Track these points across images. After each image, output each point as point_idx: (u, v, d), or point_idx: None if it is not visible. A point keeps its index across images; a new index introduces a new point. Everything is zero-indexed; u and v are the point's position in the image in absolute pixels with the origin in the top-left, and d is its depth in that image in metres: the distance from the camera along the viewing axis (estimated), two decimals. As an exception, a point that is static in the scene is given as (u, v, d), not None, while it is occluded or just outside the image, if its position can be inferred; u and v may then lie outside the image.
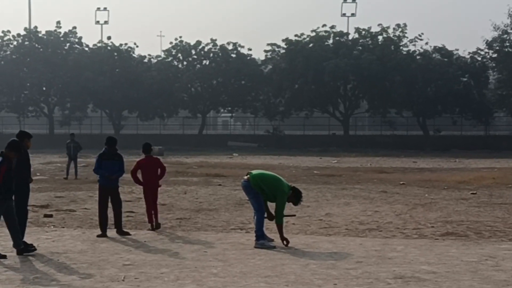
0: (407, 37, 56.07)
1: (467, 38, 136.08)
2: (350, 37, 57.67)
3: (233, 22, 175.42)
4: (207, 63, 59.39)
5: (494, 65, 55.60)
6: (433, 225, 12.82)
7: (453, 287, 7.94)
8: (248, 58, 59.21)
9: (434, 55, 56.13)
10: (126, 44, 60.41)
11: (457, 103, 54.55)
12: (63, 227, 12.64)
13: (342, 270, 8.79)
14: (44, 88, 60.77)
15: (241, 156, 41.77)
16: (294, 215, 12.32)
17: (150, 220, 12.43)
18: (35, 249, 9.96)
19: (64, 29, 60.83)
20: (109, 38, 60.91)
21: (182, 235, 11.81)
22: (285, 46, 56.68)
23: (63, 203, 16.39)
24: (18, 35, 60.37)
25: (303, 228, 12.47)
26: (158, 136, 57.80)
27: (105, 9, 66.04)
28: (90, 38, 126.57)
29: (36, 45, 60.16)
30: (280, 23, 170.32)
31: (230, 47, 58.85)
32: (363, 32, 56.97)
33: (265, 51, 58.88)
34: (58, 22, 60.40)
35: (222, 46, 58.75)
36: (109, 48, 60.14)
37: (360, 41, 57.16)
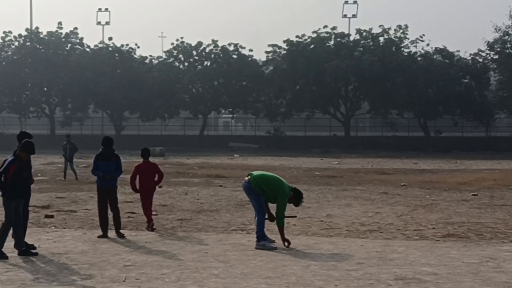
0: (408, 39, 55.95)
1: (468, 40, 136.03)
2: (351, 38, 57.53)
3: (234, 23, 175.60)
4: (208, 64, 59.27)
5: (495, 66, 55.48)
6: (434, 226, 12.82)
7: (454, 289, 7.95)
8: (249, 59, 59.07)
9: (435, 57, 55.97)
10: (127, 45, 60.38)
11: (458, 105, 54.42)
12: (64, 228, 12.64)
13: (343, 271, 8.80)
14: (45, 89, 60.69)
15: (242, 157, 41.74)
16: (295, 216, 12.32)
17: (149, 219, 12.46)
18: (37, 254, 9.88)
19: (65, 29, 60.89)
20: (110, 39, 60.86)
21: (183, 236, 11.81)
22: (286, 47, 56.53)
23: (64, 204, 16.40)
24: (20, 35, 60.33)
25: (304, 229, 12.46)
26: (159, 137, 57.87)
27: (106, 10, 65.96)
28: (91, 38, 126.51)
29: (38, 45, 60.08)
30: (281, 24, 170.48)
31: (231, 48, 58.76)
32: (364, 33, 56.86)
33: (266, 52, 58.86)
34: (60, 23, 60.46)
35: (223, 47, 58.66)
36: (110, 49, 60.05)
37: (361, 42, 57.05)
